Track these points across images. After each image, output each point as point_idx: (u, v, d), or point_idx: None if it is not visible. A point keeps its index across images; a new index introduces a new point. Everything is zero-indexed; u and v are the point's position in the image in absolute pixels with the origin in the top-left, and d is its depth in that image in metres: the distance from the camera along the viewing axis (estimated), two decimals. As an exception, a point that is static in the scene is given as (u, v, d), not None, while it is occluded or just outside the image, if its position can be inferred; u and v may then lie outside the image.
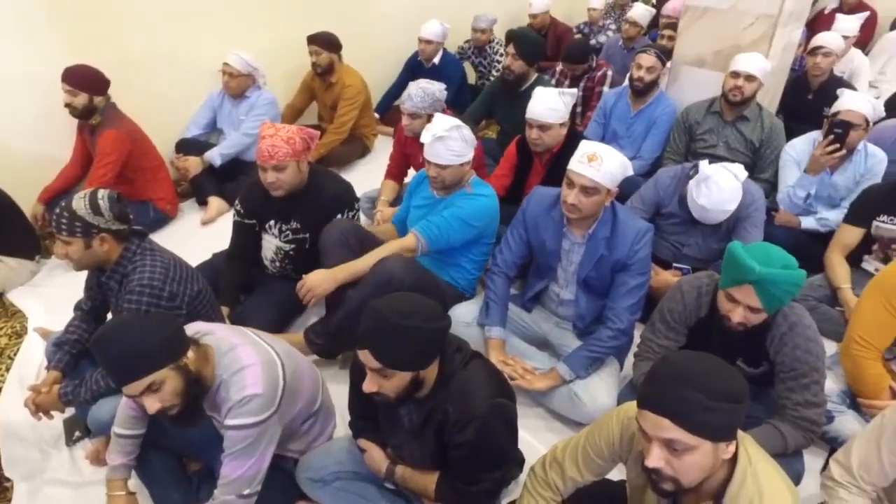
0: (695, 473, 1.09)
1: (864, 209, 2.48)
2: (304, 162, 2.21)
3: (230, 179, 3.47)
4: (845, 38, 4.05)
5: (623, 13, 5.22)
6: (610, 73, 3.95)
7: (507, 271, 2.20)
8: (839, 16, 4.55)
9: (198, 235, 3.21)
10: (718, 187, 2.21)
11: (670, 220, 2.50)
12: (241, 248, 2.43)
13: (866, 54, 5.10)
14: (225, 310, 2.26)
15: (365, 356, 1.29)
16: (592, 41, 5.59)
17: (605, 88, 3.77)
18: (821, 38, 3.64)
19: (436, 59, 4.18)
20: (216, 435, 1.50)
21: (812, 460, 1.89)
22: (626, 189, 2.59)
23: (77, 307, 2.02)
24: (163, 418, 1.40)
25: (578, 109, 3.91)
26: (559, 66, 4.12)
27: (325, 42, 3.73)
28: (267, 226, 2.36)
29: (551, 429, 2.07)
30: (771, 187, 3.01)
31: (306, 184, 2.25)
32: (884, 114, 2.78)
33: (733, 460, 1.16)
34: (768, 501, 1.11)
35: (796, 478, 1.78)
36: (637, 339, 2.02)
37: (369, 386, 1.32)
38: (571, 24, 5.86)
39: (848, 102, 2.63)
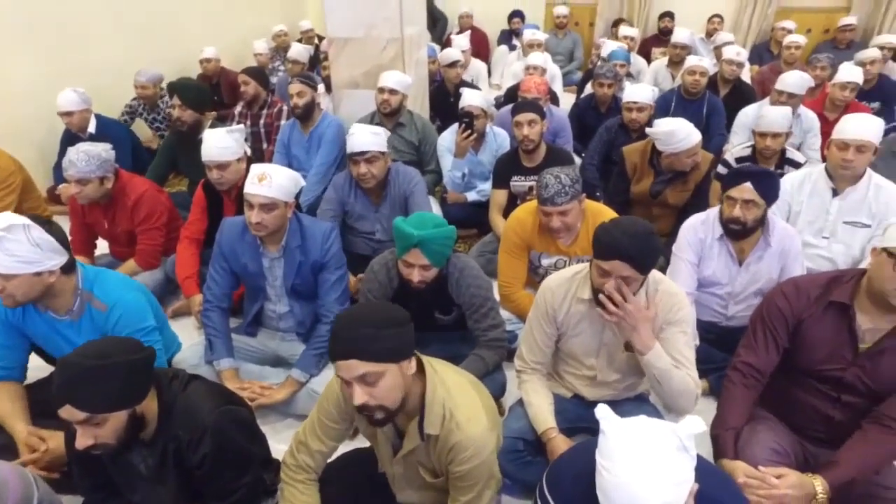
0: (393, 394, 1.31)
1: (500, 175, 3.19)
2: None
3: None
4: (463, 52, 5.06)
5: (286, 54, 5.57)
6: (285, 108, 4.22)
7: (220, 304, 2.26)
8: (453, 36, 5.68)
9: None
10: (361, 130, 2.68)
11: (355, 216, 2.86)
12: None
13: (489, 64, 6.43)
14: None
15: (68, 412, 1.25)
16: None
17: (283, 122, 4.01)
18: (450, 55, 4.55)
19: (91, 129, 3.86)
20: None
21: (512, 374, 2.37)
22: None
23: None
24: None
25: (264, 146, 4.09)
26: (237, 109, 4.24)
27: None
28: None
29: (306, 433, 2.19)
30: (438, 176, 3.62)
31: None
32: (493, 104, 3.61)
33: (424, 377, 1.43)
34: (455, 394, 1.42)
35: (502, 386, 2.23)
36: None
37: (83, 441, 1.27)
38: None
39: (468, 98, 3.35)
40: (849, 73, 3.76)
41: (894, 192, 2.46)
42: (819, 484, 1.51)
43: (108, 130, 3.86)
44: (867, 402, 1.62)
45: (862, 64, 4.28)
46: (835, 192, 2.55)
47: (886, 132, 2.77)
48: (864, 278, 1.60)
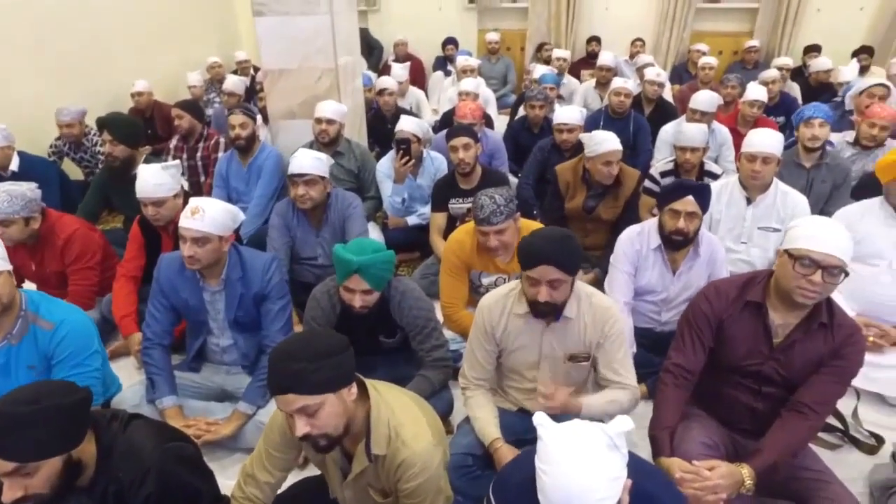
0: (335, 422, 1.32)
1: (439, 198, 3.27)
2: None
3: None
4: (401, 83, 5.17)
5: (221, 86, 5.53)
6: (222, 140, 4.18)
7: (161, 341, 2.22)
8: (392, 63, 5.80)
9: None
10: (304, 153, 2.76)
11: (297, 241, 2.89)
12: None
13: (426, 90, 6.58)
14: None
15: (-6, 465, 1.19)
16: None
17: (220, 154, 3.97)
18: (380, 83, 4.65)
19: (13, 167, 3.69)
20: None
21: (459, 392, 2.41)
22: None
23: None
24: None
25: (202, 179, 4.04)
26: (172, 143, 4.16)
27: None
28: None
29: (255, 467, 2.16)
30: (378, 202, 3.66)
31: None
32: (429, 129, 3.71)
33: (368, 400, 1.44)
34: (399, 413, 1.45)
35: (449, 404, 2.27)
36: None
37: (10, 493, 1.20)
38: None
39: (404, 125, 3.42)
40: (755, 92, 4.11)
41: (797, 198, 2.69)
42: (746, 471, 1.62)
43: (33, 168, 3.70)
44: (785, 392, 1.75)
45: (765, 83, 4.67)
46: (749, 201, 2.75)
47: (789, 145, 3.02)
48: (773, 278, 1.74)
